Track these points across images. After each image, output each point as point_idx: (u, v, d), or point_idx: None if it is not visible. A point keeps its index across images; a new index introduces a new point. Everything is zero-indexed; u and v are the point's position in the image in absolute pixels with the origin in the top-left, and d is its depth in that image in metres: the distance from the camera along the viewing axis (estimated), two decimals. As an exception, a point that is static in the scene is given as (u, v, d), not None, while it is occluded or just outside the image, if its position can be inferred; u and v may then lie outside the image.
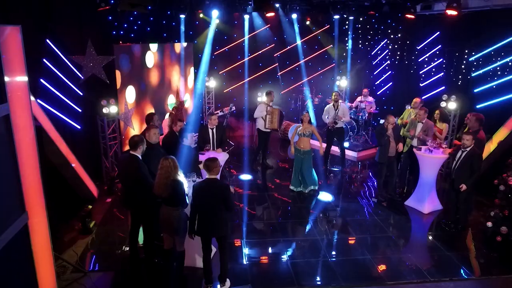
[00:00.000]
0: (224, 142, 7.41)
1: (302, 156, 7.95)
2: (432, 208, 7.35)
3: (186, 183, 5.21)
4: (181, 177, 4.91)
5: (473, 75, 8.73)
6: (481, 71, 8.50)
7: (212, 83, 12.27)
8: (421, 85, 10.64)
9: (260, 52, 12.99)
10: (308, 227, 6.82)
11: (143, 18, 10.11)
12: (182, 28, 10.45)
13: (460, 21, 8.74)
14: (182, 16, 10.00)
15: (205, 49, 11.25)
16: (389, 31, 12.18)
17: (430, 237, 6.62)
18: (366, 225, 6.93)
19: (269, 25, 12.65)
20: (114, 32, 9.49)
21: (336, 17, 11.31)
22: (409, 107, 8.81)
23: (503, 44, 8.04)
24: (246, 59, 12.58)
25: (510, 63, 7.96)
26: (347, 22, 12.59)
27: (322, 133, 9.62)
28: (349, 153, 10.49)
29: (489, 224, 6.27)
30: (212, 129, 7.31)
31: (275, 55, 13.10)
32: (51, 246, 4.34)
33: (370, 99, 11.71)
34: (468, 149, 6.33)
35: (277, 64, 13.17)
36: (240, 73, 13.12)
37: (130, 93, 9.00)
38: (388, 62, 12.45)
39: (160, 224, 5.05)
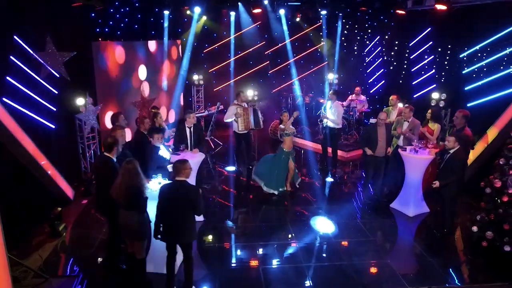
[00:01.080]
0: (202, 142, 7.13)
1: (288, 157, 7.67)
2: (418, 211, 7.04)
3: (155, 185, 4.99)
4: (144, 180, 4.65)
5: (464, 72, 8.38)
6: (472, 68, 8.15)
7: (197, 81, 12.03)
8: (413, 83, 10.30)
9: (250, 50, 12.76)
10: (284, 231, 6.51)
11: (128, 15, 9.89)
12: (166, 24, 10.18)
13: (451, 16, 8.42)
14: (166, 12, 9.75)
15: (186, 46, 10.95)
16: (382, 28, 11.86)
17: (413, 242, 6.32)
18: (347, 228, 6.63)
19: (259, 22, 12.40)
20: (98, 30, 9.31)
21: (323, 12, 10.99)
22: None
23: (495, 39, 7.69)
24: (232, 59, 12.31)
25: (505, 58, 7.59)
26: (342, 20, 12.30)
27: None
28: (340, 154, 10.17)
29: (475, 228, 5.95)
30: (189, 128, 7.04)
31: (266, 52, 12.85)
32: (5, 251, 4.11)
33: (362, 97, 11.39)
34: (451, 151, 6.02)
35: (268, 62, 12.92)
36: (230, 71, 12.89)
37: (111, 91, 8.80)
38: (381, 59, 12.12)
39: (119, 229, 4.80)
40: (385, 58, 11.92)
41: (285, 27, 11.63)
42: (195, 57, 12.52)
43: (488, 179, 5.90)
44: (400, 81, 10.95)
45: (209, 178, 8.89)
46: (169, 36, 10.68)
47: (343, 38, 12.81)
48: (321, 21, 12.40)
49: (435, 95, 8.57)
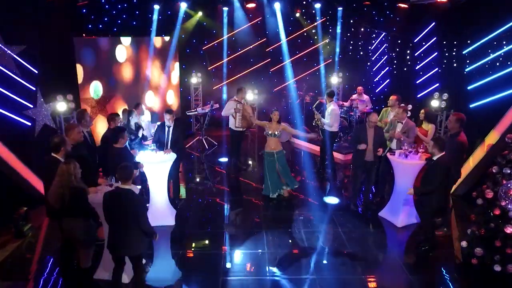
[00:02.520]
0: (179, 143, 6.77)
1: (275, 158, 7.20)
2: (407, 222, 6.43)
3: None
4: (82, 184, 4.33)
5: (467, 70, 7.65)
6: (475, 65, 7.41)
7: (196, 79, 11.67)
8: (417, 82, 9.60)
9: (251, 47, 12.33)
10: (256, 238, 6.05)
11: (119, 10, 9.66)
12: (155, 18, 9.85)
13: (455, 9, 7.70)
14: (157, 7, 9.46)
15: (172, 42, 10.62)
16: (387, 23, 11.16)
17: (395, 256, 5.74)
18: (325, 237, 6.12)
19: (259, 18, 11.97)
20: (90, 26, 9.14)
21: (317, 6, 10.44)
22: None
23: (500, 33, 6.92)
24: (225, 58, 11.90)
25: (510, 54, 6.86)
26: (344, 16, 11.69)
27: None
28: (336, 156, 9.63)
29: (464, 243, 5.34)
30: (168, 127, 6.71)
31: (267, 50, 12.40)
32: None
33: (365, 97, 10.77)
34: (434, 157, 5.41)
35: (269, 60, 12.46)
36: (230, 69, 12.53)
37: (96, 89, 8.59)
38: (386, 57, 11.43)
39: (62, 236, 4.51)
40: (391, 55, 11.22)
41: (280, 24, 11.08)
42: (194, 54, 12.25)
43: (481, 188, 5.27)
44: (405, 80, 10.24)
45: (202, 179, 8.61)
46: (161, 32, 10.40)
47: (348, 34, 12.20)
48: (324, 17, 11.86)
49: (436, 95, 7.88)
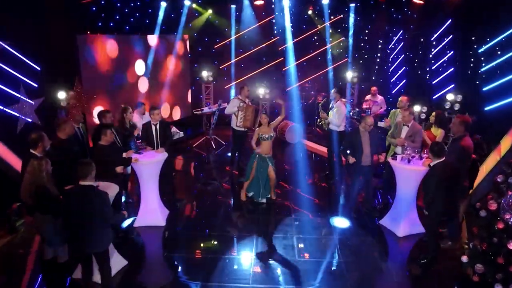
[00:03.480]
0: (168, 140, 6.62)
1: (267, 163, 6.92)
2: (410, 231, 6.00)
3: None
4: (51, 183, 4.24)
5: (482, 69, 7.09)
6: (491, 64, 6.86)
7: (207, 78, 11.52)
8: (433, 82, 9.05)
9: (263, 45, 12.10)
10: (244, 243, 5.81)
11: (127, 8, 9.67)
12: (161, 17, 9.75)
13: (472, 4, 7.16)
14: (164, 4, 9.38)
15: (176, 39, 10.51)
16: (404, 21, 10.62)
17: (391, 270, 5.32)
18: (317, 246, 5.78)
19: (272, 16, 11.72)
20: (100, 24, 9.19)
21: (325, 2, 10.02)
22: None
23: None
24: (233, 60, 11.68)
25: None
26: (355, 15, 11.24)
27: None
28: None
29: (464, 258, 4.88)
30: (155, 125, 6.58)
31: (280, 48, 12.12)
32: None
33: (379, 98, 10.27)
34: (432, 163, 5.00)
35: (282, 58, 12.17)
36: (242, 68, 12.34)
37: (100, 86, 8.61)
38: (403, 56, 10.89)
39: (36, 232, 4.45)
40: (407, 54, 10.68)
41: (287, 21, 10.73)
42: (206, 53, 12.15)
43: (486, 199, 4.81)
44: (421, 80, 9.69)
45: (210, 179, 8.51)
46: (172, 30, 10.34)
47: (366, 31, 11.72)
48: (339, 15, 11.47)
49: (450, 97, 7.38)
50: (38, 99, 7.29)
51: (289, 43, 11.37)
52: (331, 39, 11.70)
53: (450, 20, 8.43)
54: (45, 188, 4.13)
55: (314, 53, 11.99)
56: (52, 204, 4.20)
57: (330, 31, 11.77)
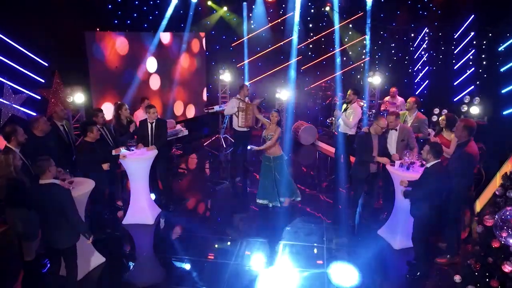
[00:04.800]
0: (162, 138, 6.53)
1: (271, 163, 6.64)
2: (406, 244, 5.46)
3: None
4: (21, 176, 4.25)
5: (502, 69, 6.42)
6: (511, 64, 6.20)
7: (224, 76, 11.40)
8: (454, 83, 8.38)
9: (281, 43, 11.82)
10: (225, 248, 5.60)
11: (139, 5, 9.72)
12: (169, 13, 9.67)
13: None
14: (175, 1, 9.35)
15: (184, 37, 10.41)
16: (429, 17, 9.93)
17: (377, 285, 4.90)
18: (303, 253, 5.43)
19: (291, 13, 11.40)
20: (116, 21, 9.33)
21: None
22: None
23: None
24: (245, 60, 11.47)
25: None
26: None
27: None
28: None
29: (457, 278, 4.42)
30: (151, 123, 6.52)
31: (298, 46, 11.77)
32: None
33: (399, 100, 9.66)
34: (428, 165, 4.56)
35: (301, 57, 11.83)
36: (260, 67, 12.13)
37: (109, 84, 8.71)
38: (427, 54, 10.20)
39: (8, 227, 4.49)
40: (431, 53, 9.99)
41: (296, 17, 10.34)
42: (223, 51, 12.04)
43: (484, 213, 4.32)
44: (443, 81, 9.02)
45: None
46: (188, 27, 10.32)
47: (390, 27, 11.12)
48: (361, 12, 10.96)
49: (467, 99, 6.77)
50: (21, 95, 7.26)
51: (293, 43, 11.02)
52: (348, 37, 11.22)
53: (473, 16, 7.73)
54: (16, 180, 4.14)
55: (333, 52, 11.54)
56: (22, 196, 4.20)
57: (350, 26, 11.30)
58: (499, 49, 6.47)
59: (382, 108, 9.61)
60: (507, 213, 3.73)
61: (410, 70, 11.08)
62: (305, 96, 11.93)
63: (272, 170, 6.61)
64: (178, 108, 10.88)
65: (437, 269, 5.00)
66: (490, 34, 6.93)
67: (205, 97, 11.93)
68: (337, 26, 11.31)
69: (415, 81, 10.80)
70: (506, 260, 3.87)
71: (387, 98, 9.70)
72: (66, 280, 4.24)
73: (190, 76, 11.10)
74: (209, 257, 5.33)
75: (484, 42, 7.16)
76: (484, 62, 7.16)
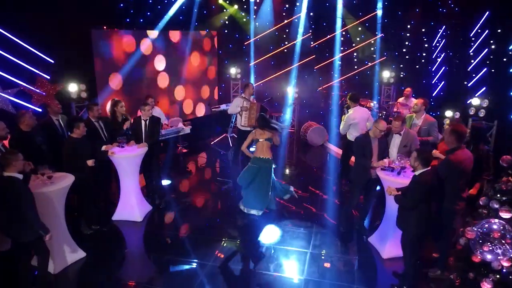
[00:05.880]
0: (154, 136, 6.52)
1: (257, 165, 6.43)
2: (395, 254, 5.15)
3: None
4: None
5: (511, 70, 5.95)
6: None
7: (236, 75, 11.33)
8: (469, 85, 7.88)
9: (294, 42, 11.59)
10: (207, 248, 5.45)
11: (144, 3, 9.80)
12: (173, 11, 9.68)
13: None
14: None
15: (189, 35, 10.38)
16: (448, 15, 9.41)
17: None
18: (285, 260, 5.26)
19: (302, 12, 11.18)
20: (128, 20, 9.47)
21: None
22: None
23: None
24: (253, 61, 11.28)
25: None
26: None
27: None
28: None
29: (437, 293, 4.10)
30: (145, 120, 6.54)
31: (312, 45, 11.52)
32: None
33: (413, 102, 9.20)
34: (417, 172, 4.27)
35: (314, 56, 11.57)
36: (272, 65, 11.97)
37: (115, 80, 8.83)
38: (444, 54, 9.66)
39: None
40: (447, 53, 9.46)
41: (302, 18, 10.04)
42: (236, 49, 11.98)
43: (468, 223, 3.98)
44: (457, 83, 8.52)
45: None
46: (199, 27, 10.32)
47: (408, 27, 10.66)
48: (376, 10, 10.57)
49: (475, 102, 6.35)
50: (13, 90, 7.27)
51: (298, 42, 10.75)
52: (363, 36, 10.85)
53: (488, 13, 7.22)
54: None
55: (348, 51, 11.21)
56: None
57: (367, 24, 10.92)
58: (510, 47, 6.00)
59: (394, 110, 9.21)
60: (485, 226, 3.40)
61: (428, 71, 10.57)
62: (319, 97, 11.65)
63: (255, 172, 6.42)
64: (187, 107, 10.91)
65: (427, 282, 4.69)
66: (498, 31, 6.42)
67: (216, 96, 11.91)
68: (351, 25, 11.00)
69: (432, 82, 10.28)
70: (486, 278, 3.55)
71: (401, 99, 9.29)
72: (38, 273, 4.29)
73: (200, 75, 11.11)
74: (188, 257, 5.26)
75: (497, 41, 6.65)
76: (495, 62, 6.66)
